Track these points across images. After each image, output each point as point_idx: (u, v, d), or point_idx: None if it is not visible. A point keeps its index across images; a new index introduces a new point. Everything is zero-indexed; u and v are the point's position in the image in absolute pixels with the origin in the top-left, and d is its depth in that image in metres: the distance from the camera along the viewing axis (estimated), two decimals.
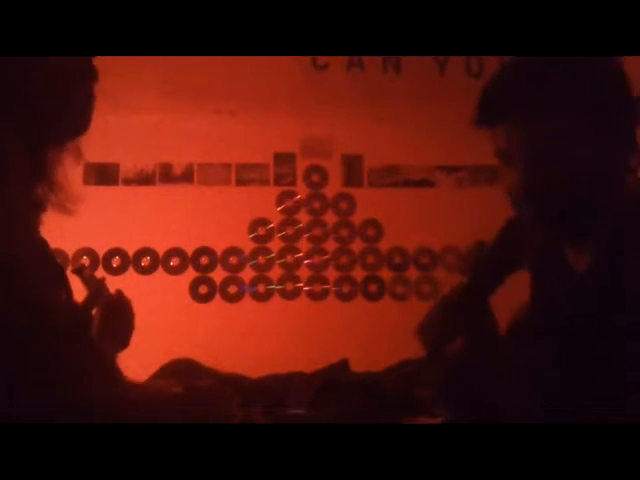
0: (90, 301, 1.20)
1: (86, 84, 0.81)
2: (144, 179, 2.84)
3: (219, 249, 2.83)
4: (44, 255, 0.76)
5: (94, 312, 1.21)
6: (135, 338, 1.33)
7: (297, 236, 2.88)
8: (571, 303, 0.93)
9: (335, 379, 2.19)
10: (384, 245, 2.89)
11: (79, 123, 0.81)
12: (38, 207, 0.80)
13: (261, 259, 2.84)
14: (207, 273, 2.81)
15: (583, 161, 0.92)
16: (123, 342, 1.25)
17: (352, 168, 2.94)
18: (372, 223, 2.90)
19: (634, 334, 0.81)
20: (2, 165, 0.67)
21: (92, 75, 0.81)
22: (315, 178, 2.93)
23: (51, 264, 0.78)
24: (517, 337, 0.98)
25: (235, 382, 2.10)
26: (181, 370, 2.23)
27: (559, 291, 0.98)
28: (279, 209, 2.88)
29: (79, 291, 1.17)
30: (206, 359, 2.32)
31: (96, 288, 1.22)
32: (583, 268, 0.93)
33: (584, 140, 0.92)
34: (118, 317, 1.24)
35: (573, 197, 0.92)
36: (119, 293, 1.27)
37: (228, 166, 2.89)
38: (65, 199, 0.82)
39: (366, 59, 2.62)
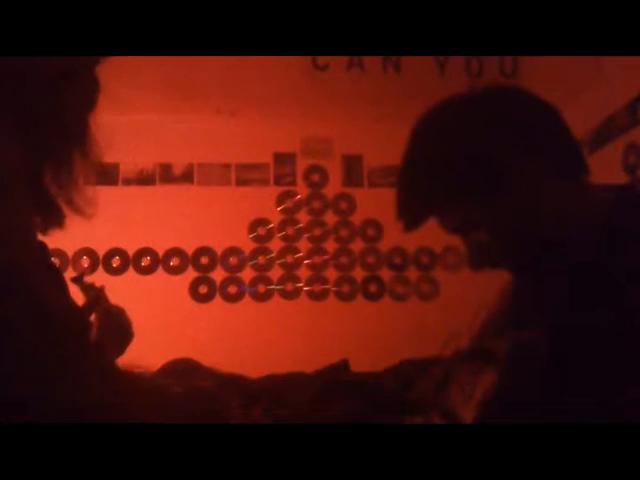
0: (88, 308, 1.20)
1: (87, 86, 0.81)
2: (144, 179, 2.84)
3: (219, 249, 2.83)
4: (43, 258, 0.76)
5: (92, 318, 1.21)
6: (135, 338, 1.33)
7: (297, 236, 2.88)
8: (561, 303, 0.92)
9: (335, 379, 2.19)
10: (384, 245, 2.89)
11: (80, 125, 0.81)
12: (51, 210, 0.80)
13: (261, 259, 2.84)
14: (207, 273, 2.81)
15: (536, 202, 0.92)
16: (120, 349, 1.25)
17: (352, 168, 2.95)
18: (372, 223, 2.90)
19: (630, 333, 0.81)
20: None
21: (93, 82, 0.81)
22: (315, 178, 2.93)
23: (49, 267, 0.78)
24: (512, 338, 0.97)
25: (235, 382, 2.10)
26: (181, 370, 2.23)
27: (547, 293, 0.97)
28: (279, 209, 2.89)
29: (78, 299, 1.17)
30: (206, 359, 2.32)
31: (95, 296, 1.23)
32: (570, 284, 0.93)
33: (529, 182, 0.92)
34: (116, 324, 1.24)
35: (542, 237, 0.92)
36: (116, 305, 1.28)
37: (228, 166, 2.89)
38: (84, 204, 0.82)
39: (366, 59, 2.62)
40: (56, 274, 0.79)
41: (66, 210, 0.81)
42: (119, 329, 1.26)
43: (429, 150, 0.98)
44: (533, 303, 0.99)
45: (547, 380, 0.87)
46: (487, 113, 0.95)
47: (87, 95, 0.81)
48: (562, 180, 0.94)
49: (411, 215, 1.00)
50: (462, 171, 0.93)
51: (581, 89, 2.29)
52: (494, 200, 0.93)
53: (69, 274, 1.18)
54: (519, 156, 0.92)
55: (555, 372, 0.87)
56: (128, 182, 2.82)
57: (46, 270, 0.75)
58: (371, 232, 2.91)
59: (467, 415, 0.93)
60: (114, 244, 2.77)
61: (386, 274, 2.88)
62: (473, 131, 0.94)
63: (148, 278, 2.78)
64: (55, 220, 0.80)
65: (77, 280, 1.23)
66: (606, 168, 2.18)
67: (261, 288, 2.82)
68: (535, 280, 0.99)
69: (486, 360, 0.98)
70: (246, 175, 2.90)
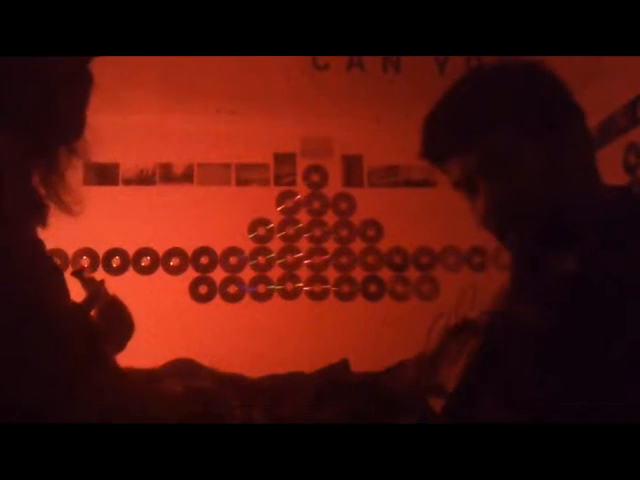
0: (89, 303, 1.20)
1: (81, 86, 0.81)
2: (144, 179, 2.84)
3: (219, 249, 2.83)
4: (41, 256, 0.76)
5: (93, 313, 1.21)
6: (135, 338, 1.33)
7: (297, 236, 2.88)
8: (561, 302, 0.92)
9: (335, 379, 2.19)
10: (384, 245, 2.89)
11: (73, 126, 0.81)
12: (38, 208, 0.80)
13: (261, 259, 2.84)
14: (207, 273, 2.81)
15: (542, 170, 0.92)
16: (121, 344, 1.25)
17: (352, 168, 2.95)
18: (372, 223, 2.90)
19: (631, 333, 0.81)
20: None
21: (87, 78, 0.81)
22: (315, 178, 2.93)
23: (48, 265, 0.78)
24: (513, 337, 0.97)
25: (235, 382, 2.10)
26: (181, 370, 2.23)
27: (544, 291, 0.97)
28: (279, 209, 2.89)
29: (79, 293, 1.17)
30: (206, 359, 2.32)
31: (95, 290, 1.23)
32: (571, 269, 0.93)
33: (537, 149, 0.93)
34: (117, 320, 1.24)
35: (544, 209, 0.92)
36: (116, 299, 1.27)
37: (228, 166, 2.89)
38: (72, 201, 0.82)
39: (366, 59, 2.62)
40: (55, 271, 0.79)
41: (53, 208, 0.81)
42: (120, 323, 1.26)
43: (463, 99, 0.98)
44: (527, 288, 0.99)
45: (533, 358, 0.87)
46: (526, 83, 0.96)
47: (80, 94, 0.81)
48: (578, 167, 0.95)
49: (434, 143, 0.99)
50: (490, 122, 0.93)
51: (581, 89, 2.29)
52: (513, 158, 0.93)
53: (69, 274, 1.18)
54: (537, 133, 0.93)
55: (543, 350, 0.87)
56: (128, 182, 2.82)
57: (44, 268, 0.75)
58: (371, 232, 2.90)
59: (452, 385, 0.93)
60: (114, 244, 2.76)
61: (386, 274, 2.88)
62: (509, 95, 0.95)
63: (148, 278, 2.77)
64: (40, 219, 0.80)
65: (78, 274, 1.23)
66: (606, 168, 2.17)
67: (261, 288, 2.82)
68: (532, 269, 0.99)
69: (472, 332, 0.98)
70: (246, 175, 2.90)
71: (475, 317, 1.03)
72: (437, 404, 0.96)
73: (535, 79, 0.98)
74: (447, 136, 0.98)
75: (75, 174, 0.84)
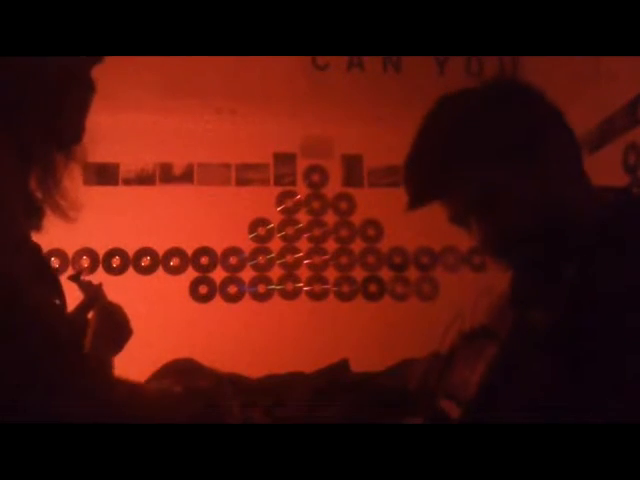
0: (86, 306, 1.20)
1: (81, 91, 0.80)
2: (144, 179, 2.84)
3: (219, 249, 2.83)
4: (37, 260, 0.76)
5: (90, 316, 1.21)
6: (135, 338, 1.33)
7: (297, 236, 2.88)
8: (561, 305, 0.92)
9: (335, 379, 2.19)
10: (384, 245, 2.89)
11: (73, 130, 0.81)
12: (34, 212, 0.80)
13: (261, 259, 2.84)
14: (207, 273, 2.81)
15: (529, 193, 0.92)
16: (118, 347, 1.25)
17: (352, 168, 2.94)
18: (372, 223, 2.90)
19: (631, 334, 0.81)
20: None
21: (88, 84, 0.81)
22: (315, 178, 2.93)
23: (44, 269, 0.78)
24: (513, 338, 0.97)
25: (235, 382, 2.10)
26: (181, 370, 2.23)
27: (545, 293, 0.97)
28: (279, 209, 2.88)
29: (76, 297, 1.17)
30: (206, 359, 2.33)
31: (92, 293, 1.23)
32: (574, 275, 0.93)
33: (521, 173, 0.92)
34: (114, 323, 1.24)
35: (539, 230, 0.92)
36: (113, 302, 1.28)
37: (228, 166, 2.89)
38: (68, 207, 0.82)
39: (366, 59, 2.62)
40: (51, 276, 0.79)
41: (50, 213, 0.81)
42: (117, 326, 1.26)
43: (440, 133, 0.98)
44: (534, 294, 0.99)
45: (549, 364, 0.87)
46: (500, 106, 0.96)
47: (80, 99, 0.81)
48: (565, 178, 0.95)
49: (416, 192, 1.00)
50: (472, 153, 0.93)
51: (581, 89, 2.29)
52: (498, 187, 0.93)
53: (69, 274, 1.18)
54: (526, 150, 0.93)
55: (556, 356, 0.87)
56: (128, 182, 2.82)
57: (40, 272, 0.74)
58: (371, 232, 2.90)
59: (470, 392, 0.93)
60: (114, 244, 2.76)
61: (386, 274, 2.88)
62: (487, 120, 0.94)
63: (148, 278, 2.77)
64: (35, 222, 0.80)
65: (75, 278, 1.23)
66: (606, 168, 2.18)
67: (261, 288, 2.82)
68: (535, 277, 0.99)
69: (489, 338, 0.98)
70: (246, 175, 2.89)
71: (491, 323, 1.03)
72: (453, 410, 0.96)
73: (505, 98, 0.97)
74: (428, 185, 0.99)
75: (74, 176, 0.84)
